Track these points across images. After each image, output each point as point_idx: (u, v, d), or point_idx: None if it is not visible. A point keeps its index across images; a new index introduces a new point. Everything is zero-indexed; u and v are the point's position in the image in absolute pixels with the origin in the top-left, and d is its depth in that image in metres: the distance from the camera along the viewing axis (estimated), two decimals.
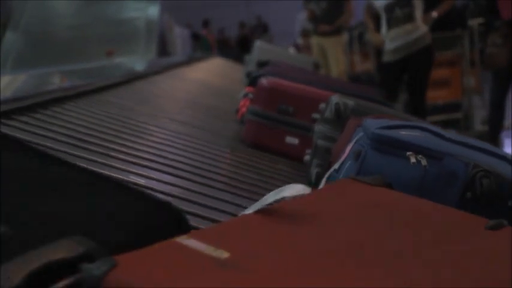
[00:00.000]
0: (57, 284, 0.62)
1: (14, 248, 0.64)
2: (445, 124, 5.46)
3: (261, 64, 3.93)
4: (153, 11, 6.34)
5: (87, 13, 6.07)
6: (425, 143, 1.27)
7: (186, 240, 0.67)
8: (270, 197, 0.81)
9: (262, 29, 14.20)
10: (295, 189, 0.82)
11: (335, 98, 2.00)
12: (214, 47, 13.18)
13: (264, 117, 2.42)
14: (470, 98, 6.21)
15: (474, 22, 6.07)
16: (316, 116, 2.01)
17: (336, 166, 1.33)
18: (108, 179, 0.80)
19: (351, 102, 1.99)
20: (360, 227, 0.77)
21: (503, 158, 1.29)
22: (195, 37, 13.15)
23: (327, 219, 0.78)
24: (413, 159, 1.21)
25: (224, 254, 0.65)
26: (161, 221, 0.79)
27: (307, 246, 0.70)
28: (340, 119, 1.92)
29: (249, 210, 0.81)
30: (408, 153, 1.20)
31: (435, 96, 5.88)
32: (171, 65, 5.01)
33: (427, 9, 4.84)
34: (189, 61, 6.10)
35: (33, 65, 5.25)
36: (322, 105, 2.06)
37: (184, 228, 0.78)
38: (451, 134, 1.38)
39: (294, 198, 0.82)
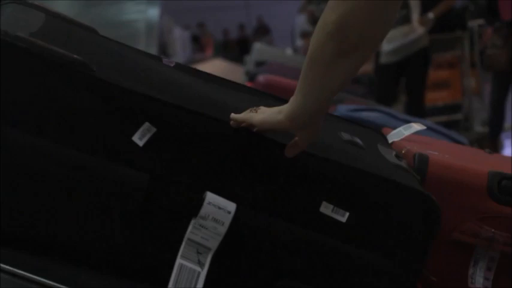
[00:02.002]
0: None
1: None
2: (445, 125, 5.46)
3: (259, 64, 4.47)
4: (153, 12, 6.34)
5: (87, 15, 6.07)
6: (380, 120, 1.75)
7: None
8: (405, 131, 1.28)
9: (262, 31, 14.21)
10: (419, 125, 1.28)
11: None
12: (210, 48, 13.18)
13: None
14: (471, 100, 6.20)
15: (474, 23, 6.07)
16: None
17: None
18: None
19: None
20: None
21: (439, 131, 1.88)
22: (195, 39, 13.15)
23: (437, 143, 1.44)
24: None
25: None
26: None
27: (455, 150, 1.44)
28: None
29: (392, 139, 1.28)
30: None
31: (435, 97, 5.88)
32: None
33: (425, 10, 4.83)
34: (190, 63, 6.11)
35: None
36: None
37: None
38: (400, 114, 2.08)
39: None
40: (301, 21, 8.96)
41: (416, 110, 4.66)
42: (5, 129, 0.97)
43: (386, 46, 4.81)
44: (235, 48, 13.53)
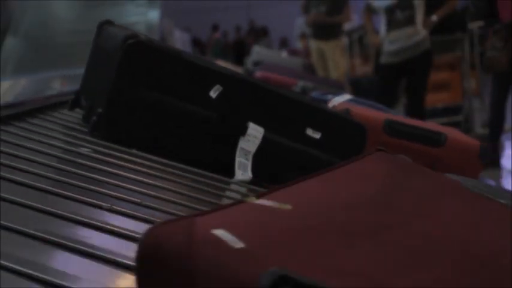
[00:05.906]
0: None
1: None
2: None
3: (256, 63, 5.68)
4: (154, 15, 6.34)
5: (88, 18, 6.06)
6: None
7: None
8: (341, 99, 2.38)
9: (256, 34, 14.21)
10: (348, 95, 2.51)
11: (301, 82, 3.74)
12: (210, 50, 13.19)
13: None
14: (471, 101, 6.20)
15: (474, 25, 6.07)
16: None
17: None
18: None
19: (311, 84, 3.68)
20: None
21: (369, 104, 2.48)
22: (196, 42, 13.15)
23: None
24: None
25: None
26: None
27: (370, 109, 2.35)
28: (304, 94, 3.23)
29: (336, 102, 2.34)
30: None
31: (435, 99, 5.88)
32: None
33: (429, 12, 4.83)
34: None
35: (34, 69, 5.24)
36: (295, 87, 3.63)
37: None
38: (354, 97, 2.63)
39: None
40: (301, 22, 8.97)
41: (416, 112, 4.65)
42: (146, 92, 1.73)
43: (388, 46, 4.80)
44: (232, 51, 13.52)
